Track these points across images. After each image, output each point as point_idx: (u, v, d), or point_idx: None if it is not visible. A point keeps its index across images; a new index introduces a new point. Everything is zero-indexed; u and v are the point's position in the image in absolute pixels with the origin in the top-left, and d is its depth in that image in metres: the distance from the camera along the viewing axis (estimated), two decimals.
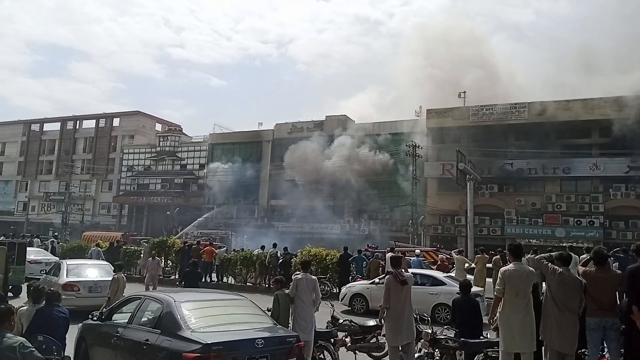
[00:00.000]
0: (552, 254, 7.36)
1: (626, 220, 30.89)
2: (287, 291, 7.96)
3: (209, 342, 5.45)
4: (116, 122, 59.11)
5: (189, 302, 6.39)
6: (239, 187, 43.88)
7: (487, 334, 7.43)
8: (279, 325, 6.71)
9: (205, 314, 6.26)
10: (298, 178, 40.59)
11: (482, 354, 6.95)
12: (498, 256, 14.98)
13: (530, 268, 6.51)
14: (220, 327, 6.01)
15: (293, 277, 8.19)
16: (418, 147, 35.84)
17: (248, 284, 20.20)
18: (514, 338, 6.19)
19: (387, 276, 7.70)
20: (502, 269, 6.65)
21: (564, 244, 26.11)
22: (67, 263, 13.77)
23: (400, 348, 7.37)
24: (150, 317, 6.36)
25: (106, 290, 11.10)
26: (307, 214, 40.14)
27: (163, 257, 22.30)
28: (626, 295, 6.07)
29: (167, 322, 5.92)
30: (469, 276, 14.71)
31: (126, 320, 6.62)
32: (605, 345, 6.24)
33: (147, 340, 5.89)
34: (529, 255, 8.13)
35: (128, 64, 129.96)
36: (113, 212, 55.44)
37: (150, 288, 14.32)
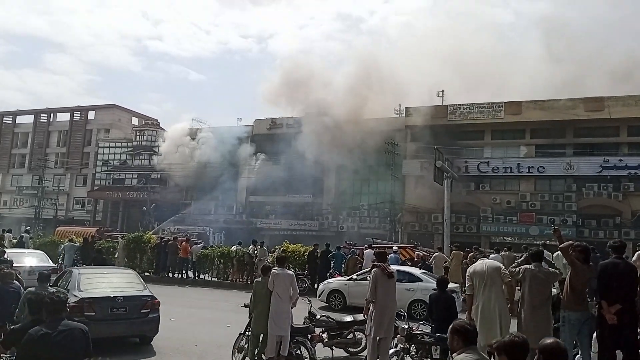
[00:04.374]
0: (527, 254, 7.42)
1: (598, 219, 31.56)
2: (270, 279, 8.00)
3: (83, 297, 8.70)
4: (91, 115, 57.85)
5: (85, 273, 9.81)
6: (218, 182, 43.39)
7: None
8: (146, 290, 9.44)
9: (94, 281, 9.53)
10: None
11: None
12: (472, 253, 15.18)
13: (496, 262, 6.65)
14: (101, 289, 9.25)
15: (270, 272, 8.17)
16: (396, 145, 36.05)
17: (226, 280, 20.07)
18: (485, 330, 6.24)
19: (374, 269, 7.66)
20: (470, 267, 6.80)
21: (538, 242, 26.57)
22: (7, 252, 15.41)
23: (377, 342, 7.41)
24: (67, 282, 9.55)
25: None
26: (285, 210, 40.01)
27: (138, 254, 22.04)
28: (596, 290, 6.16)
29: (71, 285, 9.20)
30: None
31: (58, 284, 9.74)
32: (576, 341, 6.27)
33: None
34: (503, 252, 8.21)
35: (105, 56, 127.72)
36: (88, 207, 54.28)
37: None
